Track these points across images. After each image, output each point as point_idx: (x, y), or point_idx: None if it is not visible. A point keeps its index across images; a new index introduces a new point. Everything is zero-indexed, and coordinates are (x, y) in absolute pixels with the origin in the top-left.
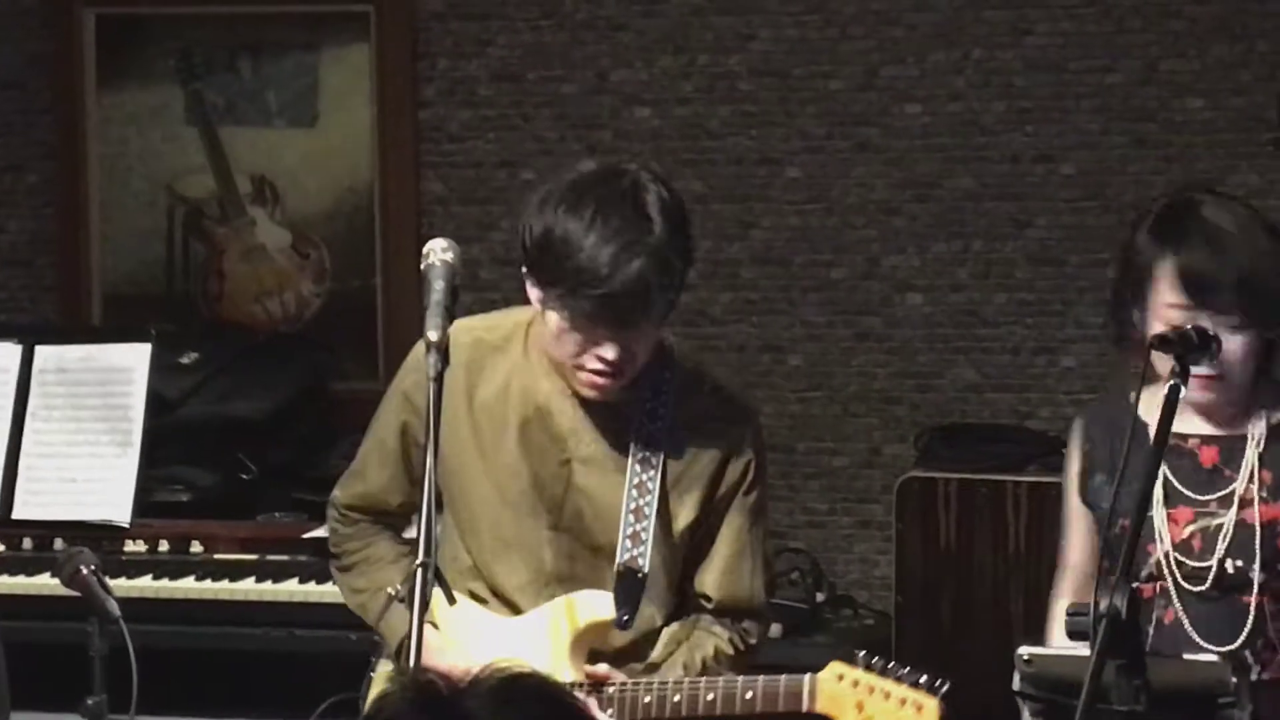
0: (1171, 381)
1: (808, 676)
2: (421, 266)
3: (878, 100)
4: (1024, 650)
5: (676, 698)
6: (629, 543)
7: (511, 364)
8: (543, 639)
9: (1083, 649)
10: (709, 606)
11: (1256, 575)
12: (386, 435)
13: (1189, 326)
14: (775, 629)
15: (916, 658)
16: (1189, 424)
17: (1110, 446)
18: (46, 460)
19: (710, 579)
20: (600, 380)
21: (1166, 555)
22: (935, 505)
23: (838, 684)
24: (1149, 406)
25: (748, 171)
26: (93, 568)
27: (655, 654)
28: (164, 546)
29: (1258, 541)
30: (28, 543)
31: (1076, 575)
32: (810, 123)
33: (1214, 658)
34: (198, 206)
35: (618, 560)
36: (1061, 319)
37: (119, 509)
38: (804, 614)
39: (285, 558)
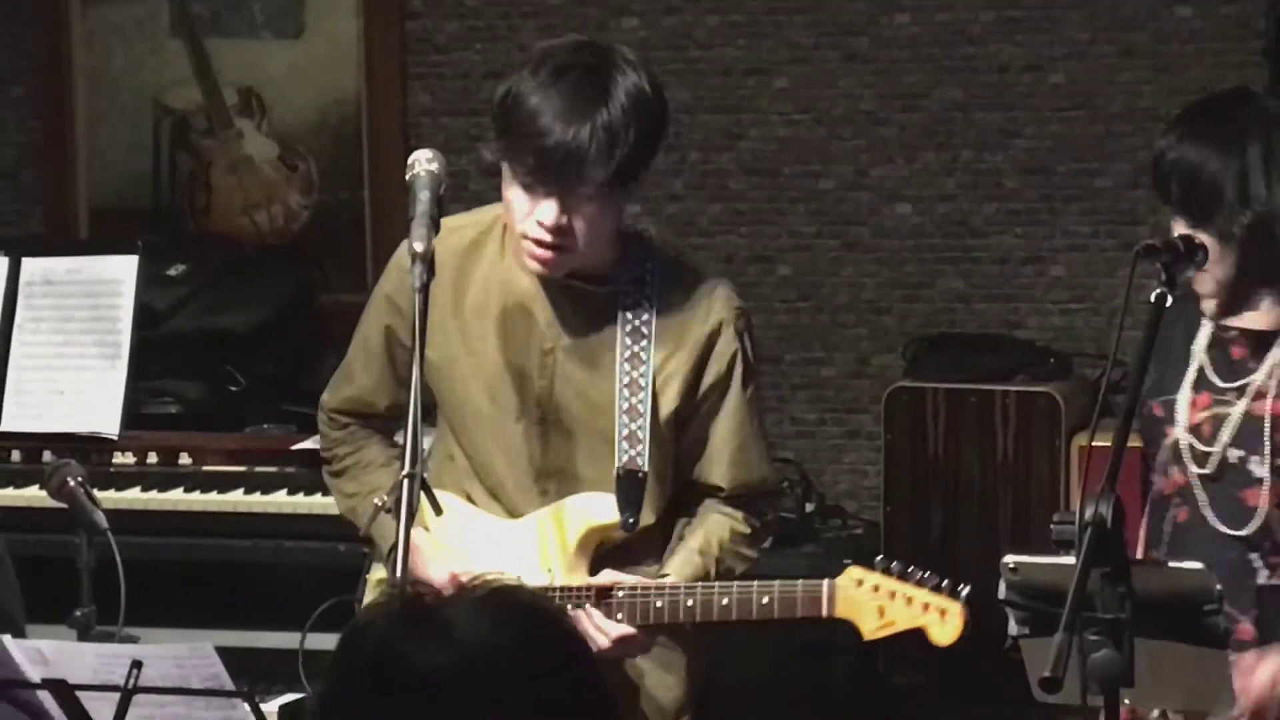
0: (1158, 290)
1: (826, 581)
2: (406, 177)
3: (866, 10)
4: (1009, 559)
5: (690, 602)
6: (626, 444)
7: (491, 261)
8: (543, 544)
9: (1068, 558)
10: (721, 495)
11: (1259, 469)
12: (371, 338)
13: (1176, 235)
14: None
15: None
16: (1240, 317)
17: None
18: (34, 372)
19: (718, 470)
20: (540, 251)
21: (1178, 439)
22: (924, 415)
23: (857, 589)
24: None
25: (736, 82)
26: (80, 479)
27: (671, 551)
28: (152, 458)
29: (1265, 434)
30: (16, 455)
31: None
32: (798, 33)
33: (1199, 565)
34: (184, 119)
35: (617, 462)
36: (1049, 228)
37: (107, 421)
38: (793, 524)
39: (274, 469)
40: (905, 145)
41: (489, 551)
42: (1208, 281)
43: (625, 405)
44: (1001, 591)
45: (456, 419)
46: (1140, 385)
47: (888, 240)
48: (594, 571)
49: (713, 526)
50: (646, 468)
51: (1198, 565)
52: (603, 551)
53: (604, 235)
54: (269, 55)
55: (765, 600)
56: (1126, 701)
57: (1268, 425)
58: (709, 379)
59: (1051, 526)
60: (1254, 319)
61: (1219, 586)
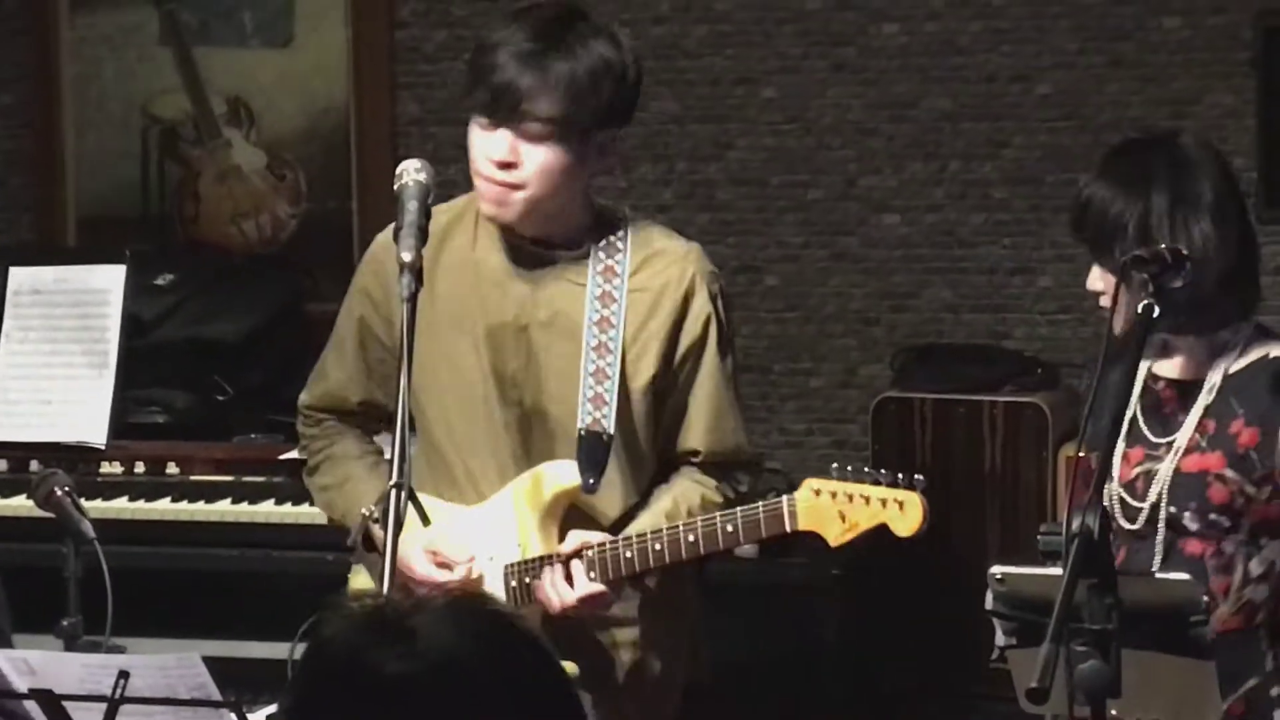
0: (1145, 301)
1: (785, 497)
2: (395, 187)
3: (854, 20)
4: (997, 569)
5: (658, 546)
6: (590, 405)
7: (463, 245)
8: (510, 518)
9: (1055, 569)
10: (696, 460)
11: (1193, 524)
12: (344, 331)
13: (1164, 247)
14: (751, 549)
15: (892, 577)
16: (1164, 367)
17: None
18: (22, 381)
19: (693, 435)
20: (493, 189)
21: (1115, 494)
22: (911, 425)
23: (816, 499)
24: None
25: (724, 92)
26: (67, 489)
27: (640, 517)
28: (140, 468)
29: (1184, 489)
30: (2, 464)
31: None
32: (787, 43)
33: (1186, 576)
34: (172, 128)
35: (579, 423)
36: (1038, 239)
37: (95, 430)
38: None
39: (261, 479)
40: (893, 155)
41: (465, 536)
42: (1119, 320)
43: (591, 368)
44: (989, 602)
45: (433, 410)
46: (1127, 395)
47: (876, 250)
48: (564, 538)
49: (682, 491)
50: (612, 430)
51: (1184, 576)
52: (574, 519)
53: (556, 181)
54: (257, 64)
55: (730, 528)
56: (1113, 712)
57: (1187, 480)
58: (685, 342)
59: (1039, 537)
60: (1180, 368)
61: (1205, 598)
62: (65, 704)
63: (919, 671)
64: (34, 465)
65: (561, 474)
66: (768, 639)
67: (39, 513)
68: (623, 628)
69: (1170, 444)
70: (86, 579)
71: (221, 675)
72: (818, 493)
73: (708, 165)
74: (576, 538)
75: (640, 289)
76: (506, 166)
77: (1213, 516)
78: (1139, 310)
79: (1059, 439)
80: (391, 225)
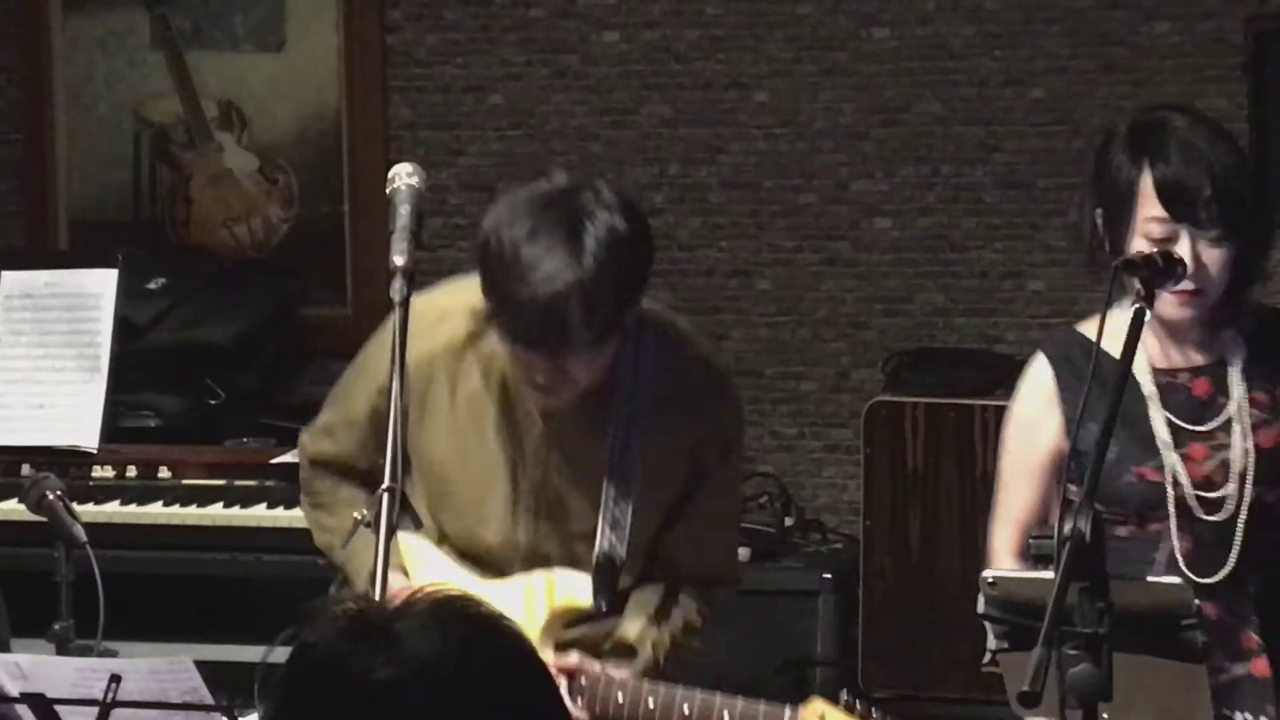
0: (1137, 305)
1: (788, 709)
2: (387, 191)
3: (846, 24)
4: (988, 573)
5: (650, 703)
6: (609, 530)
7: (488, 353)
8: (517, 611)
9: (1047, 572)
10: (680, 573)
11: (1272, 499)
12: (356, 412)
13: (1155, 250)
14: (744, 553)
15: (884, 581)
16: (1173, 358)
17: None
18: (13, 386)
19: (687, 550)
20: (543, 399)
21: (1183, 496)
22: (903, 429)
23: None
24: (1110, 336)
25: (716, 96)
26: (59, 493)
27: (629, 630)
28: (131, 472)
29: (1273, 467)
30: None
31: (1024, 530)
32: (778, 47)
33: (1177, 580)
34: (164, 131)
35: (597, 548)
36: (1029, 243)
37: (86, 434)
38: (772, 538)
39: (253, 483)
40: (885, 159)
41: None
42: (1200, 303)
43: (613, 492)
44: (981, 606)
45: (444, 505)
46: (1119, 398)
47: (868, 254)
48: (560, 650)
49: (672, 622)
50: (625, 555)
51: (1175, 580)
52: (571, 630)
53: (602, 369)
54: (249, 68)
55: (726, 716)
56: (1105, 716)
57: (1269, 456)
58: (705, 460)
59: (1030, 541)
60: (1197, 351)
61: (1196, 601)
62: (57, 708)
63: (910, 676)
64: (25, 469)
65: (576, 590)
66: (758, 643)
67: (31, 517)
68: None
69: (1224, 425)
70: (78, 583)
71: (213, 679)
72: (822, 717)
73: (699, 169)
74: (574, 660)
75: (664, 408)
76: (552, 387)
77: None
78: (1132, 314)
79: (1003, 480)
80: (414, 302)
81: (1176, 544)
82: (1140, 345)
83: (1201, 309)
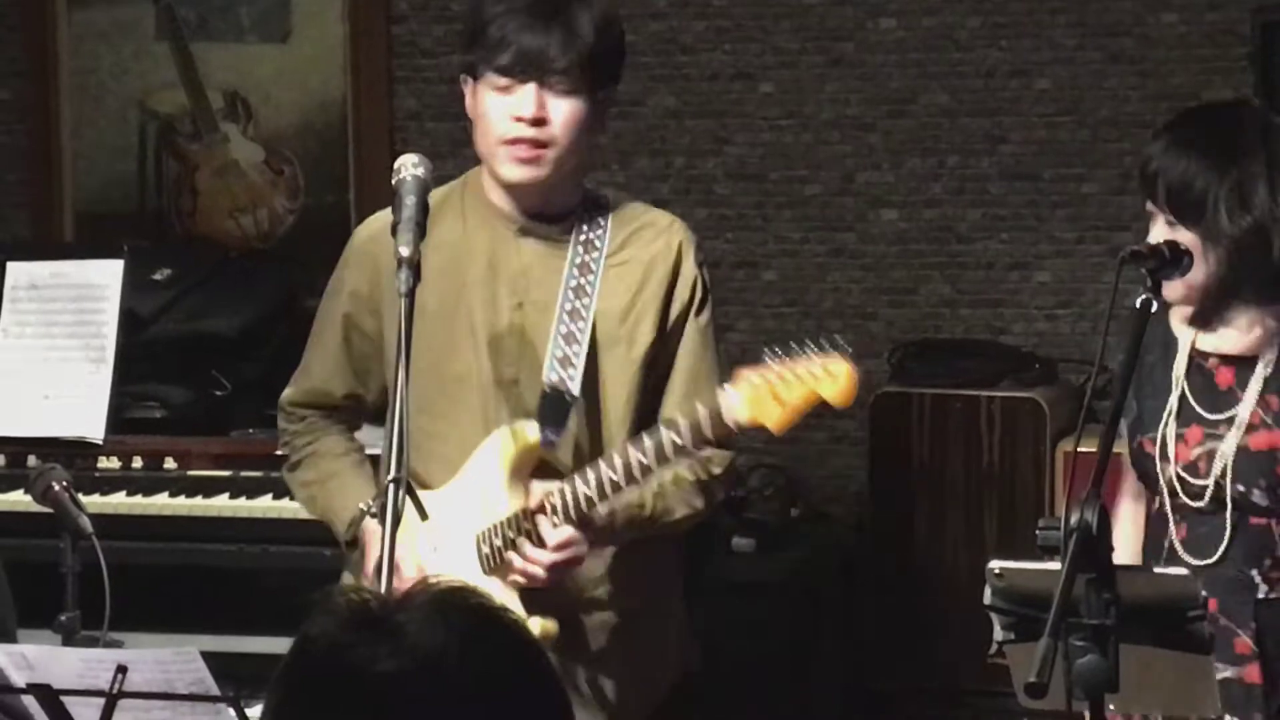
0: (1143, 296)
1: (721, 392)
2: (392, 182)
3: (852, 15)
4: (995, 564)
5: (613, 474)
6: (557, 364)
7: (453, 223)
8: (475, 486)
9: (1053, 563)
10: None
11: (1263, 499)
12: (327, 327)
13: (1162, 241)
14: (749, 543)
15: (890, 572)
16: (1211, 341)
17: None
18: (19, 377)
19: (672, 402)
20: (522, 150)
21: (1171, 477)
22: (909, 420)
23: (752, 387)
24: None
25: (722, 87)
26: (65, 484)
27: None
28: (137, 463)
29: (1253, 467)
30: (0, 459)
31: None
32: (784, 38)
33: (1183, 571)
34: (170, 123)
35: (544, 380)
36: (1035, 234)
37: (92, 425)
38: (778, 528)
39: (259, 474)
40: (891, 151)
41: (441, 518)
42: (1179, 288)
43: (563, 330)
44: (987, 597)
45: (422, 391)
46: (1125, 391)
47: (874, 246)
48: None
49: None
50: (576, 391)
51: (1182, 571)
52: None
53: (580, 135)
54: (255, 59)
55: (676, 439)
56: (1111, 707)
57: (1259, 458)
58: (676, 308)
59: (1037, 532)
60: (1233, 342)
61: (1203, 593)
62: (63, 699)
63: (915, 666)
64: (31, 460)
65: (523, 431)
66: (762, 633)
67: (37, 508)
68: (600, 595)
69: (1230, 420)
70: (84, 574)
71: (220, 670)
72: (752, 382)
73: (705, 160)
74: (538, 489)
75: (627, 261)
76: (537, 122)
77: None
78: (1138, 304)
79: (1056, 434)
80: (371, 218)
81: (1172, 525)
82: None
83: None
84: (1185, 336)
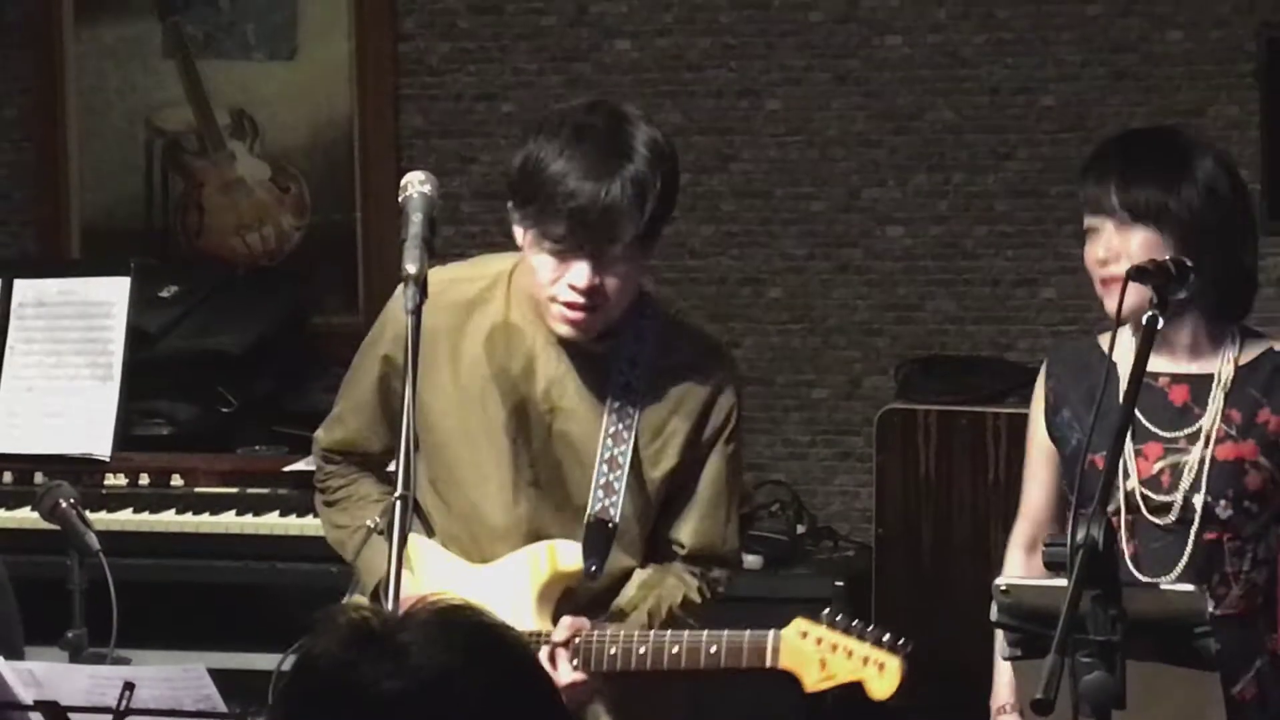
0: (1150, 312)
1: (772, 633)
2: (399, 199)
3: (858, 32)
4: (1001, 580)
5: (642, 650)
6: (601, 492)
7: (494, 316)
8: (510, 587)
9: (1060, 580)
10: (681, 553)
11: (1224, 512)
12: (364, 389)
13: (1168, 258)
14: (756, 560)
15: (896, 589)
16: (1157, 362)
17: (1076, 381)
18: (26, 394)
19: (686, 526)
20: (572, 314)
21: (1133, 490)
22: (915, 437)
23: (801, 641)
24: (1121, 344)
25: (728, 104)
26: (72, 501)
27: (623, 599)
28: (144, 480)
29: (1222, 478)
30: (7, 476)
31: (1032, 523)
32: (790, 55)
33: (1190, 587)
34: (176, 140)
35: (589, 510)
36: (1041, 251)
37: (99, 442)
38: (784, 546)
39: (266, 491)
40: (897, 167)
41: (465, 592)
42: (1132, 295)
43: (606, 455)
44: (993, 613)
45: (444, 473)
46: (1132, 406)
47: (879, 262)
48: (558, 619)
49: (668, 590)
50: (618, 519)
51: (1189, 587)
52: (571, 601)
53: (632, 292)
54: (261, 77)
55: (713, 650)
56: None
57: (1224, 468)
58: (706, 433)
59: (1043, 548)
60: (1182, 360)
61: (1211, 608)
62: (71, 715)
63: (922, 683)
64: (39, 477)
65: (566, 556)
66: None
67: (44, 525)
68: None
69: (1191, 435)
70: (91, 591)
71: (227, 687)
72: (804, 635)
73: (711, 177)
74: (568, 625)
75: (666, 381)
76: (591, 292)
77: (1246, 504)
78: (1144, 320)
79: (1026, 474)
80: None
81: (1124, 542)
82: (1131, 346)
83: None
84: (1126, 356)
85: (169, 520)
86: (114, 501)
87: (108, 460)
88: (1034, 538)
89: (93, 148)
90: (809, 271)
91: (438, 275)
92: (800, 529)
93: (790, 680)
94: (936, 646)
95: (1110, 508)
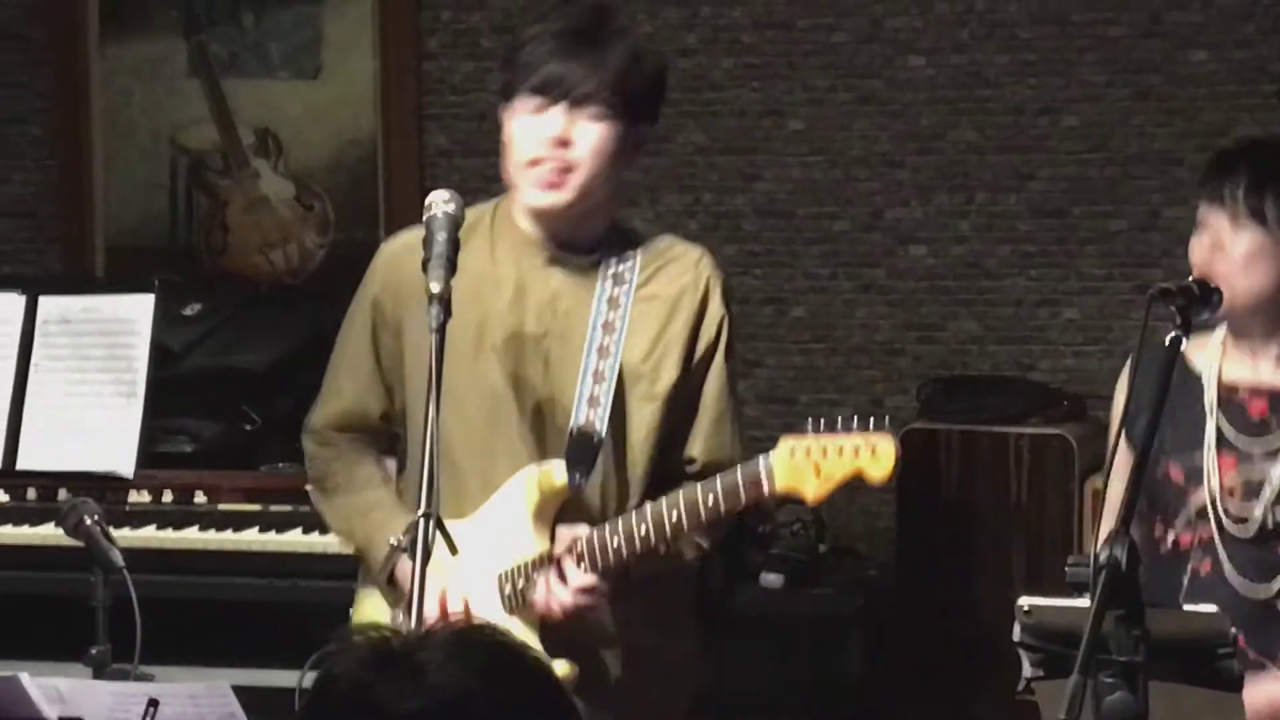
0: (1173, 334)
1: (761, 459)
2: (424, 218)
3: (881, 52)
4: (1024, 601)
5: (643, 529)
6: (585, 405)
7: (480, 252)
8: (500, 524)
9: (1083, 600)
10: (692, 470)
11: None
12: (355, 346)
13: (1191, 280)
14: (777, 579)
15: (918, 609)
16: (1239, 373)
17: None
18: (50, 411)
19: (696, 442)
20: (546, 174)
21: (1213, 500)
22: (937, 457)
23: (791, 458)
24: (1206, 353)
25: (751, 124)
26: (96, 518)
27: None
28: (168, 497)
29: None
30: (32, 493)
31: (1114, 518)
32: (813, 75)
33: (1213, 608)
34: (201, 158)
35: (572, 422)
36: (1064, 271)
37: (123, 459)
38: (805, 565)
39: (289, 508)
40: (920, 187)
41: (466, 552)
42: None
43: (591, 368)
44: (1016, 634)
45: (449, 418)
46: (1154, 429)
47: (902, 282)
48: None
49: (673, 499)
50: (603, 431)
51: (1212, 608)
52: (570, 518)
53: (606, 163)
54: (286, 96)
55: (710, 500)
56: None
57: None
58: (701, 345)
59: (1066, 569)
60: (1268, 373)
61: (1233, 630)
62: None
63: (944, 704)
64: (62, 494)
65: (552, 473)
66: (791, 671)
67: (68, 541)
68: (618, 634)
69: (1269, 450)
70: (115, 607)
71: (250, 704)
72: (793, 451)
73: (734, 197)
74: (565, 534)
75: (654, 296)
76: (562, 144)
77: None
78: (1167, 341)
79: (1085, 471)
80: (394, 237)
81: (1221, 550)
82: (1216, 355)
83: None
84: (1210, 369)
85: (192, 537)
86: (137, 518)
87: (131, 477)
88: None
89: (117, 166)
90: (831, 291)
91: (419, 231)
92: (822, 548)
93: (801, 653)
94: (957, 666)
95: (1181, 520)
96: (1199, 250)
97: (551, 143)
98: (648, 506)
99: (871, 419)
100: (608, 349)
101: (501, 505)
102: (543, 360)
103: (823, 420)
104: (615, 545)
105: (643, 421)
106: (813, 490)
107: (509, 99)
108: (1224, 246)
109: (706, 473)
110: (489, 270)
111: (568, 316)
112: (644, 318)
